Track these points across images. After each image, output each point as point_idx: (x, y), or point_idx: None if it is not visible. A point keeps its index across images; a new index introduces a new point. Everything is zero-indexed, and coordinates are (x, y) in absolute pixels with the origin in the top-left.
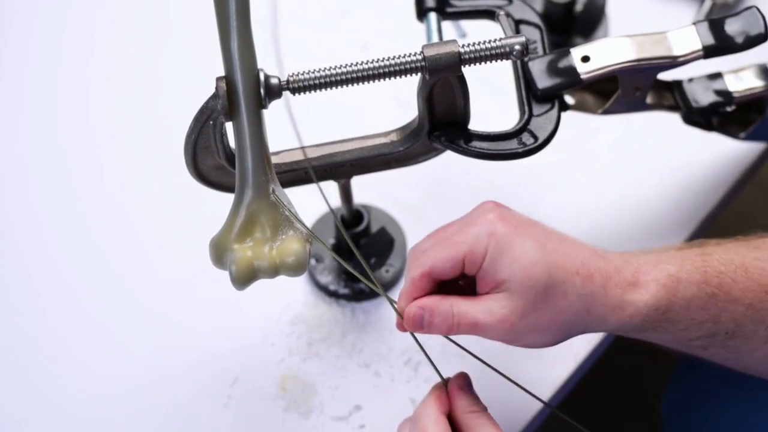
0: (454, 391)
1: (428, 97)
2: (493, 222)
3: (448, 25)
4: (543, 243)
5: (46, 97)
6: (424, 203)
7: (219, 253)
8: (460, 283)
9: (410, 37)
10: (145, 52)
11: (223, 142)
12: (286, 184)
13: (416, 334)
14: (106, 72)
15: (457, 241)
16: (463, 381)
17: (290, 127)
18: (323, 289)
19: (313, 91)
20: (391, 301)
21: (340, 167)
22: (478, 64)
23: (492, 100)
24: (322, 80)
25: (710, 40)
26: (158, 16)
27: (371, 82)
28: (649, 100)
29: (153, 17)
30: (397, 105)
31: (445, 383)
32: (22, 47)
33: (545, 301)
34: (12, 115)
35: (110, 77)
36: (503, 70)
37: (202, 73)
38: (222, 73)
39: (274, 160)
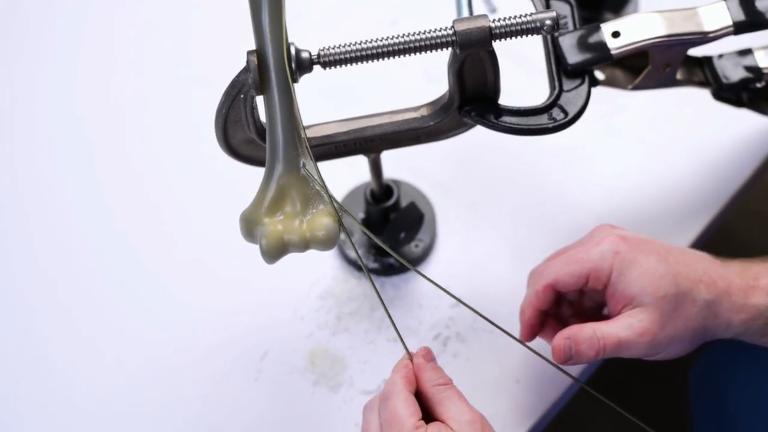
0: (421, 365)
1: (459, 72)
2: (615, 241)
3: (478, 1)
4: (665, 256)
5: (70, 72)
6: (454, 178)
7: (249, 226)
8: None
9: (440, 12)
10: (176, 26)
11: (253, 115)
12: (316, 158)
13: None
14: (135, 45)
15: (581, 258)
16: (429, 355)
17: (321, 101)
18: (352, 263)
19: (343, 66)
20: (420, 273)
21: (370, 142)
22: (508, 39)
23: (522, 75)
24: (353, 54)
25: (741, 15)
26: None
27: (402, 56)
28: (679, 76)
29: None
30: (426, 80)
31: (410, 358)
32: (48, 17)
33: (677, 310)
34: (35, 84)
35: (139, 50)
36: (533, 45)
37: (233, 46)
38: (253, 47)
39: (304, 133)
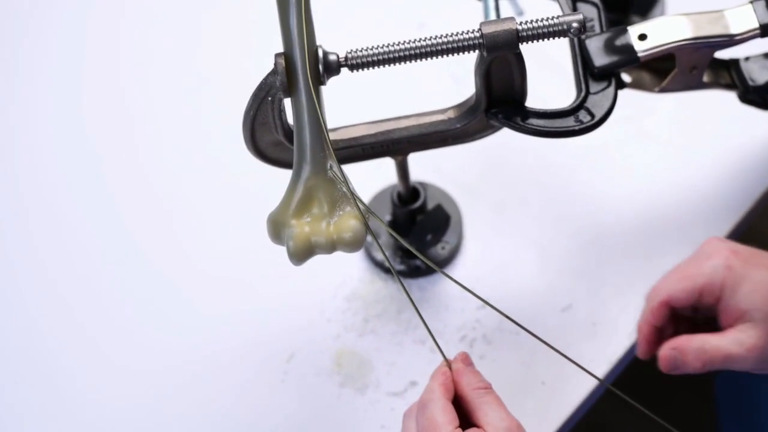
0: (461, 369)
1: (486, 75)
2: (727, 256)
3: (505, 3)
4: None
5: (79, 76)
6: (481, 181)
7: (276, 228)
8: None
9: (467, 15)
10: (201, 27)
11: (281, 118)
12: (343, 160)
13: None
14: (159, 44)
15: (693, 274)
16: (467, 359)
17: (348, 103)
18: (379, 265)
19: (370, 68)
20: (447, 275)
21: (397, 144)
22: (535, 41)
23: (549, 77)
24: (380, 57)
25: (767, 18)
26: None
27: (429, 59)
28: (705, 78)
29: None
30: (453, 82)
31: (449, 365)
32: (54, 14)
33: None
34: (49, 82)
35: (167, 51)
36: (560, 48)
37: (260, 48)
38: (281, 49)
39: (332, 136)
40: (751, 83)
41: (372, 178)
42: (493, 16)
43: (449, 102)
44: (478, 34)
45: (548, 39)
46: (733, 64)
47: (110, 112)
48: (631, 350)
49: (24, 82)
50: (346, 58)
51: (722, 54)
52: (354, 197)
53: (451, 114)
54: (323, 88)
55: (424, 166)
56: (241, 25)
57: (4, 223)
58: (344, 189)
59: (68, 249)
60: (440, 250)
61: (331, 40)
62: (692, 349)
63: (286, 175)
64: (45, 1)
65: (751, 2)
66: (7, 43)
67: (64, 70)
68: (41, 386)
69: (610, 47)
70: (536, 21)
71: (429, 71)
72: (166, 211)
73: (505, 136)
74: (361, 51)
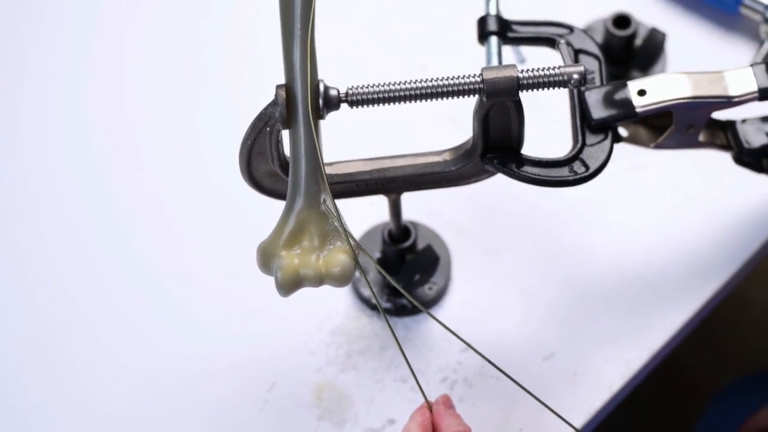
0: (441, 411)
1: (484, 120)
2: None
3: (507, 50)
4: None
5: (96, 95)
6: (472, 223)
7: (266, 258)
8: None
9: (469, 59)
10: (201, 55)
11: (278, 149)
12: (337, 195)
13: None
14: (166, 72)
15: None
16: (448, 402)
17: (345, 139)
18: (366, 301)
19: (370, 105)
20: (432, 317)
21: (392, 182)
22: (535, 90)
23: (546, 125)
24: (380, 95)
25: (766, 82)
26: (218, 20)
27: (429, 100)
28: (701, 137)
29: (213, 20)
30: (450, 124)
31: (429, 407)
32: (78, 28)
33: None
34: (51, 107)
35: (171, 78)
36: (559, 98)
37: (260, 78)
38: (282, 80)
39: (327, 170)
40: (746, 145)
41: (364, 214)
42: (495, 61)
43: (445, 143)
44: (479, 79)
45: (548, 88)
46: (730, 126)
47: (115, 134)
48: (610, 402)
49: (28, 114)
50: (346, 94)
51: (719, 115)
52: (345, 232)
53: (447, 156)
54: (321, 122)
55: (416, 204)
56: (243, 53)
57: (13, 237)
58: (336, 223)
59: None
60: (427, 290)
61: (333, 75)
62: None
63: (279, 204)
64: (50, 18)
65: (752, 66)
66: (11, 52)
67: (69, 99)
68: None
69: (609, 101)
70: (537, 70)
71: (427, 111)
72: (161, 230)
73: (499, 180)
74: (361, 88)
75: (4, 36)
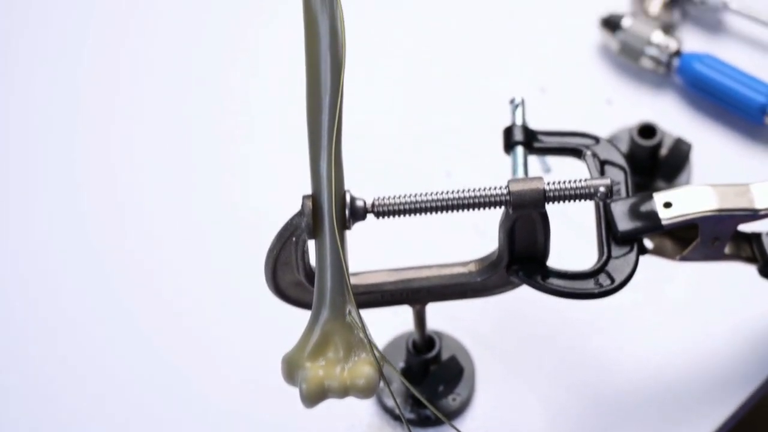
0: None
1: (510, 231)
2: None
3: (533, 159)
4: None
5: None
6: (496, 334)
7: (291, 369)
8: None
9: (494, 167)
10: (232, 163)
11: (304, 259)
12: (362, 305)
13: None
14: (188, 177)
15: None
16: None
17: (371, 248)
18: (389, 412)
19: (396, 216)
20: (456, 429)
21: (417, 293)
22: (561, 202)
23: (571, 236)
24: (406, 206)
25: None
26: (244, 131)
27: (454, 212)
28: (727, 250)
29: (239, 131)
30: (476, 233)
31: None
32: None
33: None
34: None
35: (195, 186)
36: (585, 208)
37: (286, 187)
38: (308, 190)
39: (352, 280)
40: None
41: (388, 323)
42: (521, 172)
43: (470, 251)
44: (505, 191)
45: (575, 201)
46: (755, 238)
47: (141, 261)
48: None
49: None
50: (373, 205)
51: (745, 227)
52: (370, 344)
53: (472, 267)
54: (347, 232)
55: (440, 312)
56: (271, 160)
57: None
58: (361, 335)
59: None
60: (451, 401)
61: (358, 183)
62: None
63: (302, 313)
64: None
65: None
66: None
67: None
68: None
69: (634, 213)
70: (564, 183)
71: (452, 219)
72: (186, 341)
73: (523, 291)
74: (388, 199)
75: None
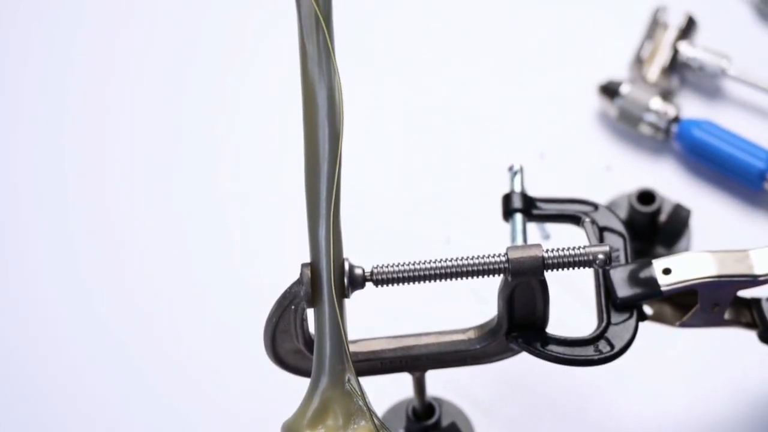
0: None
1: (509, 299)
2: None
3: (532, 226)
4: None
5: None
6: (496, 399)
7: None
8: None
9: (493, 233)
10: (231, 230)
11: (303, 327)
12: (361, 373)
13: None
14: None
15: None
16: None
17: (369, 315)
18: None
19: (395, 284)
20: None
21: (416, 360)
22: (560, 269)
23: (570, 303)
24: (405, 274)
25: None
26: (240, 199)
27: (453, 279)
28: (726, 315)
29: (235, 199)
30: (475, 299)
31: None
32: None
33: None
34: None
35: (192, 258)
36: (583, 274)
37: (284, 255)
38: (307, 258)
39: (351, 348)
40: None
41: (388, 390)
42: (519, 239)
43: (469, 317)
44: (503, 259)
45: (574, 268)
46: (755, 304)
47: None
48: None
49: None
50: (371, 273)
51: (744, 292)
52: (370, 412)
53: (471, 334)
54: (346, 300)
55: (440, 376)
56: (268, 226)
57: None
58: (360, 403)
59: None
60: None
61: (356, 249)
62: None
63: (301, 380)
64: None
65: None
66: None
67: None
68: None
69: (634, 279)
70: (562, 250)
71: (451, 285)
72: (188, 409)
73: (524, 355)
74: (386, 267)
75: None
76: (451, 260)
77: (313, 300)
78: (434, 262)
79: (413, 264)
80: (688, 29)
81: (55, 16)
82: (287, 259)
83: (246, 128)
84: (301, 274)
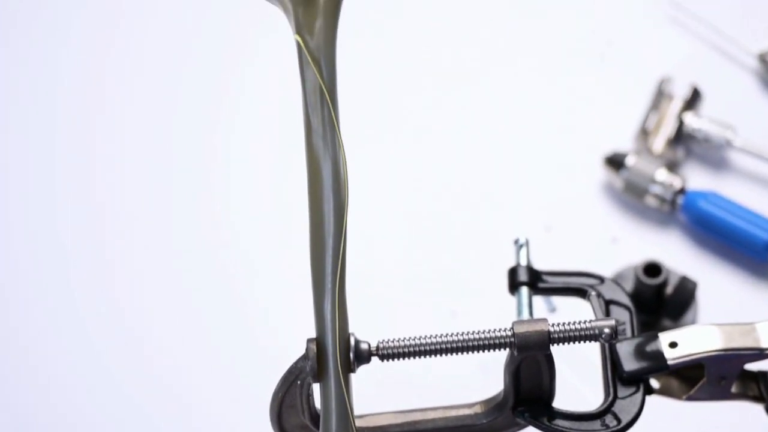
0: None
1: (515, 373)
2: None
3: (538, 299)
4: None
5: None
6: None
7: None
8: None
9: (499, 306)
10: (235, 305)
11: (309, 402)
12: None
13: None
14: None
15: None
16: None
17: (375, 390)
18: None
19: (401, 359)
20: None
21: None
22: (566, 343)
23: (577, 376)
24: (411, 349)
25: None
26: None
27: (459, 353)
28: (733, 389)
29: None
30: (481, 373)
31: None
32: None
33: None
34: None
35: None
36: (590, 347)
37: (288, 328)
38: (312, 333)
39: (357, 423)
40: None
41: None
42: (525, 312)
43: (475, 390)
44: (509, 333)
45: (580, 342)
46: (762, 377)
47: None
48: None
49: None
50: (377, 347)
51: (751, 365)
52: None
53: (478, 409)
54: (352, 375)
55: None
56: (273, 302)
57: None
58: None
59: None
60: None
61: (362, 323)
62: None
63: None
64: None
65: None
66: None
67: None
68: None
69: (640, 353)
70: (569, 324)
71: (457, 358)
72: None
73: (530, 430)
74: (392, 342)
75: None
76: (456, 335)
77: (319, 375)
78: (440, 337)
79: (419, 339)
80: (693, 100)
81: (54, 15)
82: (295, 333)
83: (250, 199)
84: (306, 349)
